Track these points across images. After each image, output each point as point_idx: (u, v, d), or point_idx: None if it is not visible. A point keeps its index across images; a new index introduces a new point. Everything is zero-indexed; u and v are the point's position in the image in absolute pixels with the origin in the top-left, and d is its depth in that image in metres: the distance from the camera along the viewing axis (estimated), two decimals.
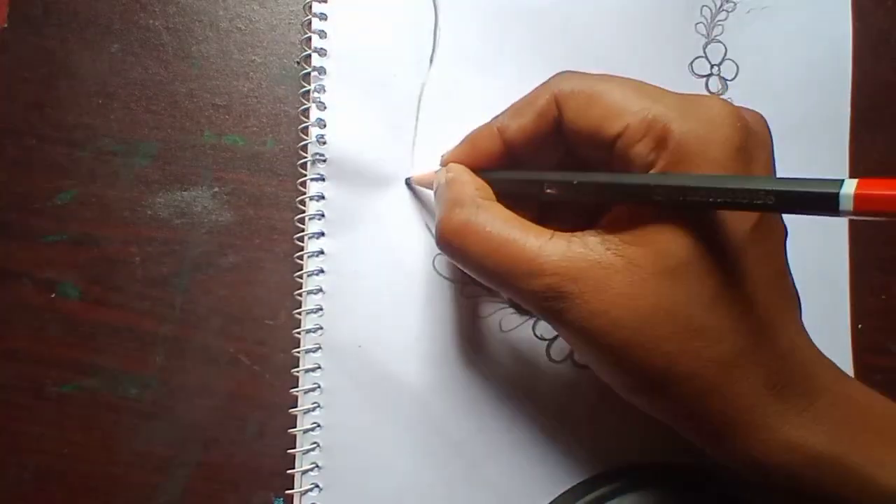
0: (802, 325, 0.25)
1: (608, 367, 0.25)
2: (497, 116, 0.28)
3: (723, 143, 0.23)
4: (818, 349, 0.25)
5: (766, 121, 0.25)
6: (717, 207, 0.22)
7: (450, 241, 0.26)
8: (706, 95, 0.24)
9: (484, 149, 0.28)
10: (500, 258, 0.24)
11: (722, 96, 0.35)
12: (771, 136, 0.25)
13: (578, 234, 0.24)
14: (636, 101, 0.24)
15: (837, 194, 0.18)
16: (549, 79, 0.26)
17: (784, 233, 0.26)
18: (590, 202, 0.28)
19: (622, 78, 0.25)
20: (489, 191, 0.27)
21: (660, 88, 0.25)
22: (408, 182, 0.33)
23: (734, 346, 0.23)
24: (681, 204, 0.22)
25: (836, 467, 0.23)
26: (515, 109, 0.27)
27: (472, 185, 0.27)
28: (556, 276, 0.23)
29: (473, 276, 0.26)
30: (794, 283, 0.26)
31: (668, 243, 0.23)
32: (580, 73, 0.26)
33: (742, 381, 0.23)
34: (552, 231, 0.25)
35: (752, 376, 0.23)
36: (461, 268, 0.27)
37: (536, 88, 0.27)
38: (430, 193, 0.33)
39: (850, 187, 0.18)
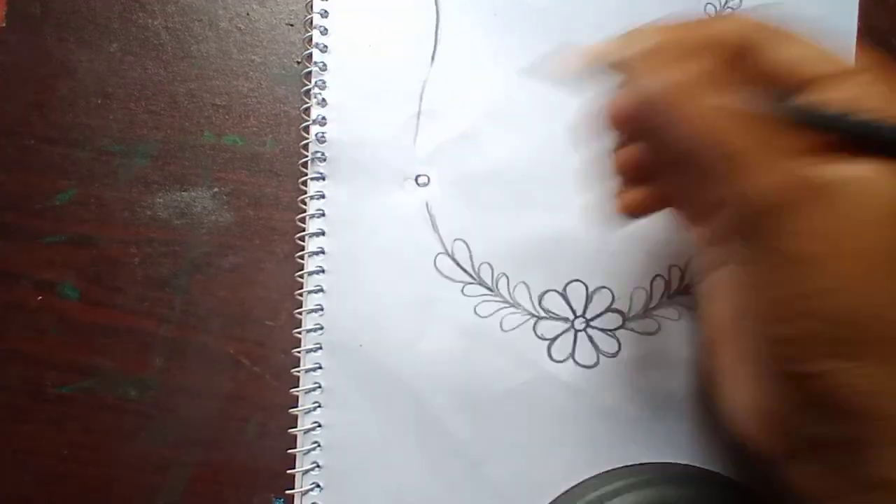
0: None
1: (801, 312, 0.21)
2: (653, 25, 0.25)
3: None
4: None
5: None
6: None
7: (672, 94, 0.22)
8: None
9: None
10: (739, 132, 0.21)
11: None
12: None
13: (822, 156, 0.22)
14: (841, 60, 0.22)
15: None
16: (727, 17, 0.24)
17: None
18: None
19: None
20: None
21: None
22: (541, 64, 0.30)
23: None
24: None
25: None
26: (696, 24, 0.24)
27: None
28: (810, 169, 0.21)
29: (674, 146, 0.23)
30: None
31: None
32: None
33: None
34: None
35: None
36: (671, 132, 0.23)
37: (716, 18, 0.24)
38: (437, 188, 0.33)
39: None
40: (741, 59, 0.23)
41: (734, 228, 0.22)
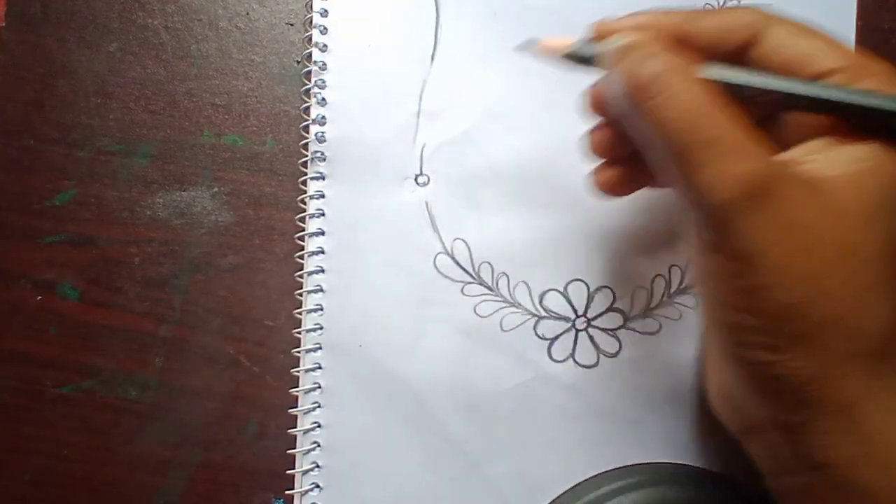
0: None
1: (762, 302, 0.21)
2: (675, 11, 0.25)
3: None
4: None
5: None
6: None
7: (654, 82, 0.22)
8: None
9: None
10: (709, 123, 0.21)
11: None
12: None
13: (788, 151, 0.23)
14: (856, 52, 0.23)
15: None
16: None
17: None
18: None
19: None
20: None
21: None
22: (526, 46, 0.27)
23: None
24: None
25: None
26: (706, 13, 0.25)
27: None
28: (764, 166, 0.21)
29: (653, 134, 0.23)
30: None
31: (877, 187, 0.22)
32: None
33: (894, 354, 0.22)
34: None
35: None
36: (640, 119, 0.23)
37: (725, 8, 0.25)
38: (437, 188, 0.33)
39: None
40: (750, 51, 0.24)
41: (698, 217, 0.22)
